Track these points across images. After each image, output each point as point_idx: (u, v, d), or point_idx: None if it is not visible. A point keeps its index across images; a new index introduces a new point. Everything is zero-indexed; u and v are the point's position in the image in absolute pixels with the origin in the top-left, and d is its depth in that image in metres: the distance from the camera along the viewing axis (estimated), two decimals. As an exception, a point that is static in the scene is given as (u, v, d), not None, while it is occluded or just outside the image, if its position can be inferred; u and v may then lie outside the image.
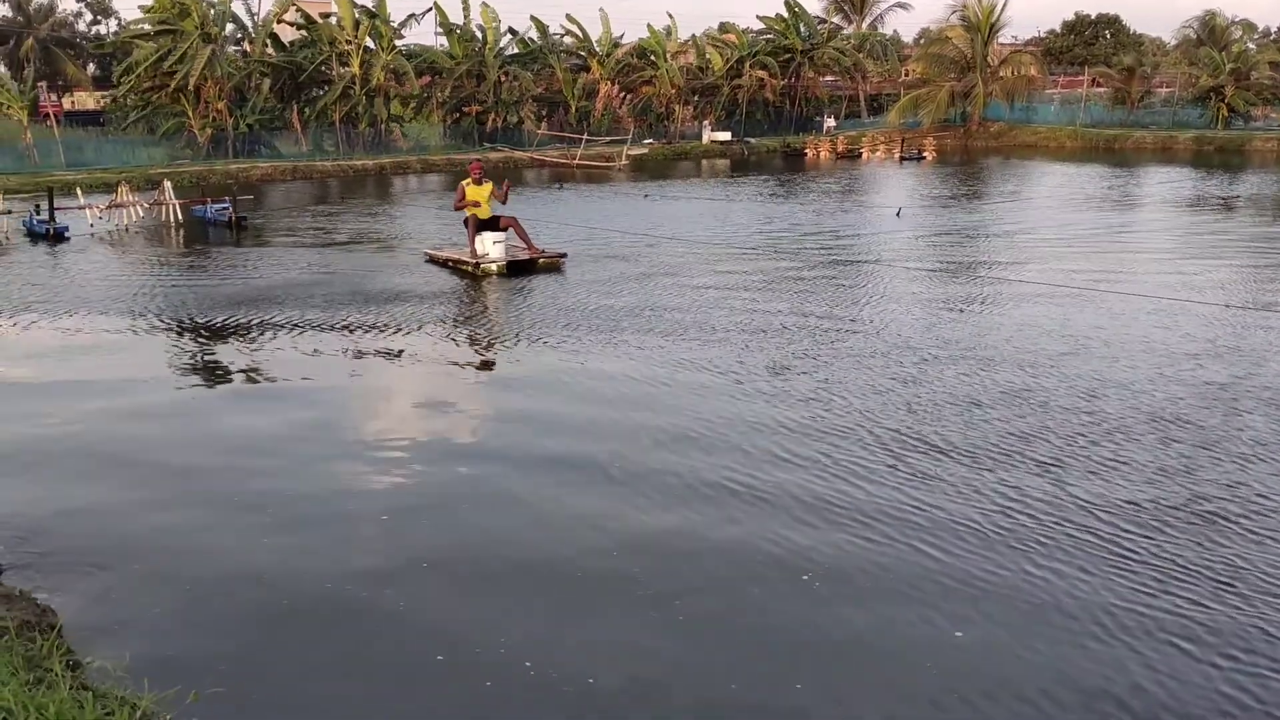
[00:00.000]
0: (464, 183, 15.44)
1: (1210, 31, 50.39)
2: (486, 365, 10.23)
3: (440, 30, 46.49)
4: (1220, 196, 25.99)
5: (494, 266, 14.74)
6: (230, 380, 9.61)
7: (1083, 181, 31.57)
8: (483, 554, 5.63)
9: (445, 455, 7.26)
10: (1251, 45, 52.48)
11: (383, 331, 11.28)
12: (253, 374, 9.78)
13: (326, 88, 40.84)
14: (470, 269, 14.93)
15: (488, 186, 15.39)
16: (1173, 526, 5.72)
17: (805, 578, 5.24)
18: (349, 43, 40.34)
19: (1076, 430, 7.31)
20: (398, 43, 42.15)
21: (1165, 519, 5.81)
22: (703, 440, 7.27)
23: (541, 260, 15.15)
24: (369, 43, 41.01)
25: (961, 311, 11.82)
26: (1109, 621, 4.75)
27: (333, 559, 5.56)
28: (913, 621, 4.81)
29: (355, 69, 40.46)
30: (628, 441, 7.28)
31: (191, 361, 10.25)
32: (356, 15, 40.45)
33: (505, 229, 15.18)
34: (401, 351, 10.41)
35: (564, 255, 15.61)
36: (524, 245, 15.31)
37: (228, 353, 10.63)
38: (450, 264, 15.54)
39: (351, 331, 11.28)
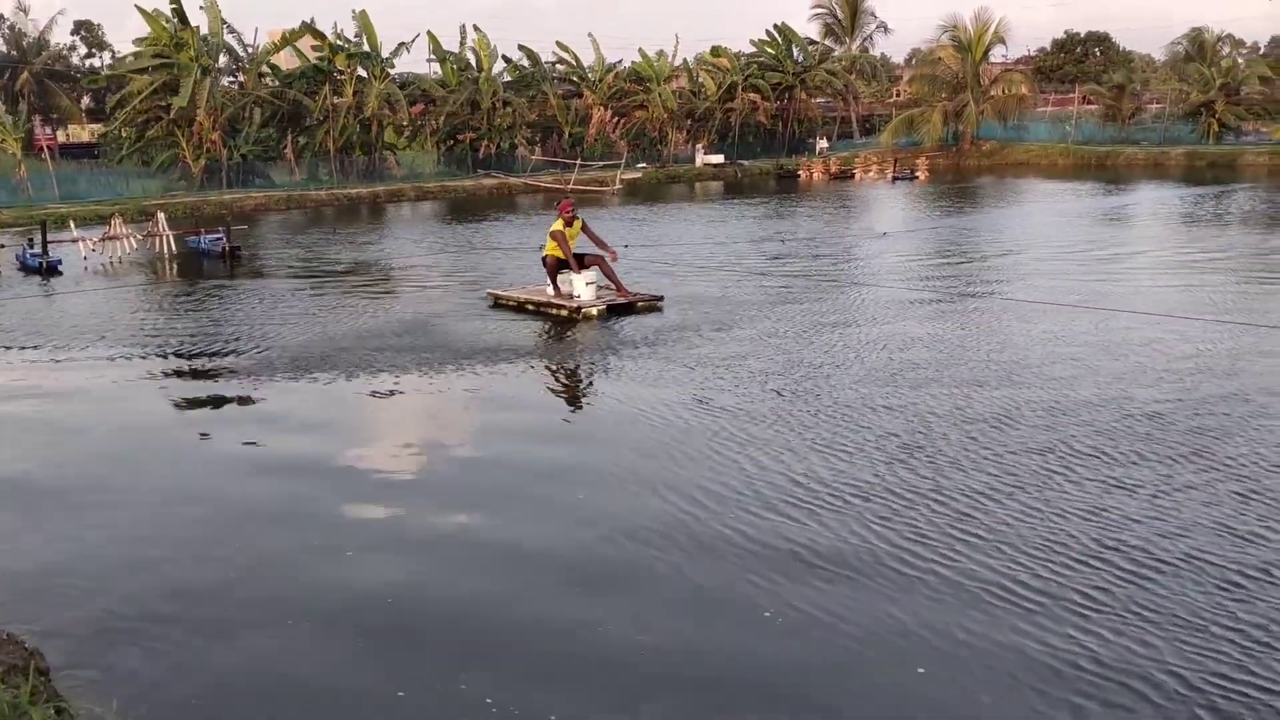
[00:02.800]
0: (557, 228, 13.97)
1: (1199, 47, 50.57)
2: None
3: (433, 57, 46.76)
4: (1214, 212, 26.07)
5: (594, 310, 13.24)
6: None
7: (1074, 199, 31.68)
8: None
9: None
10: (1241, 60, 52.72)
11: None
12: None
13: (321, 117, 40.98)
14: (566, 313, 13.40)
15: (578, 226, 14.07)
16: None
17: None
18: (341, 73, 40.51)
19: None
20: (391, 71, 42.33)
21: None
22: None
23: (640, 304, 13.72)
24: (361, 72, 41.21)
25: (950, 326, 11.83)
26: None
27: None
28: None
29: (349, 98, 40.61)
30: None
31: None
32: (350, 47, 40.66)
33: (589, 268, 13.83)
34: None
35: (660, 297, 14.07)
36: (613, 286, 13.89)
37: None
38: (531, 307, 13.94)
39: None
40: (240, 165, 38.58)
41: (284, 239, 25.45)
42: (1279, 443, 7.36)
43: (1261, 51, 60.83)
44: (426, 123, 44.66)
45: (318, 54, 40.65)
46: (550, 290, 14.08)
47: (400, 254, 21.47)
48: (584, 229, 14.14)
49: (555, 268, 13.99)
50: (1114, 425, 7.85)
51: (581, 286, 13.65)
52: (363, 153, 41.44)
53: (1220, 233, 21.44)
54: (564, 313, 13.48)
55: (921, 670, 4.56)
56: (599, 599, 5.38)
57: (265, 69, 41.10)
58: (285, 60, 42.52)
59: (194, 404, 9.90)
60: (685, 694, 4.47)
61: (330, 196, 37.11)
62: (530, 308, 14.01)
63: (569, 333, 12.68)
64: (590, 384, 10.28)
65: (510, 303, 14.33)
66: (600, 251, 14.11)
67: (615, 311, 13.33)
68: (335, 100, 40.67)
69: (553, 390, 10.41)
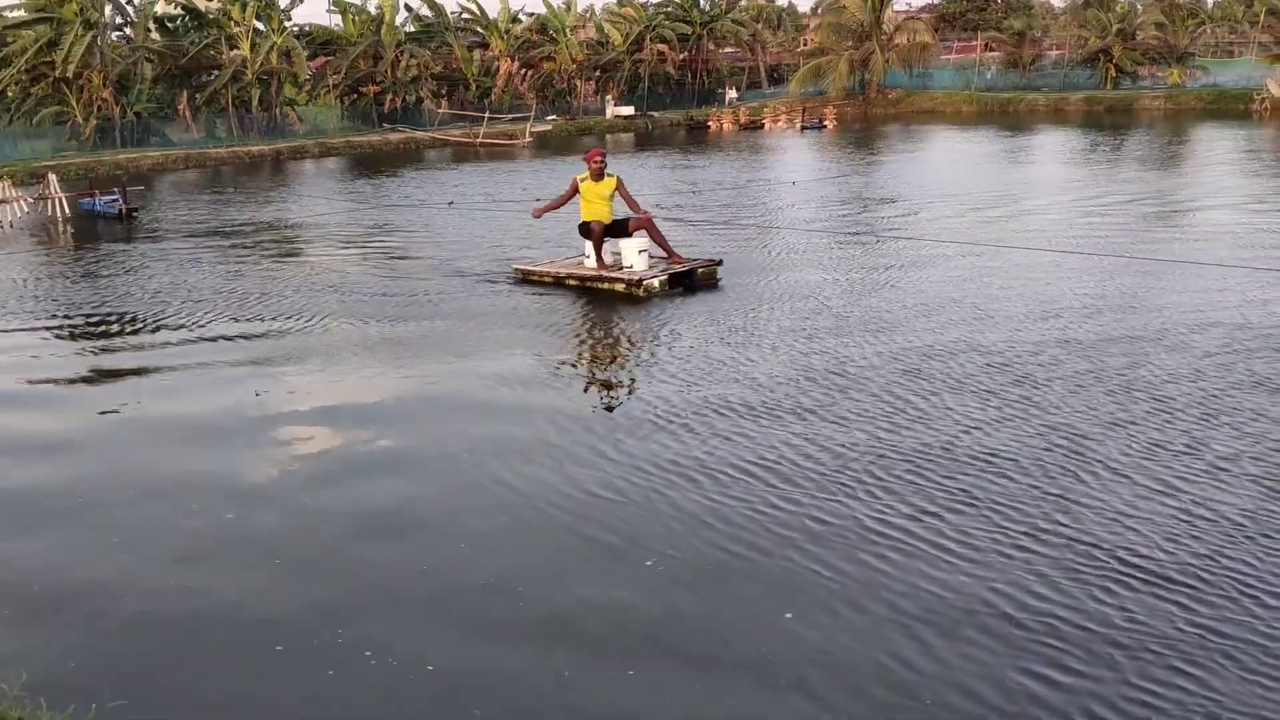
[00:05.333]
0: (578, 177, 12.11)
1: (1097, -7, 51.57)
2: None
3: (334, 8, 45.48)
4: (1108, 155, 26.72)
5: (655, 283, 11.34)
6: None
7: (976, 145, 32.23)
8: None
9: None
10: (1138, 6, 53.91)
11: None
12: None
13: (215, 72, 39.70)
14: (623, 287, 11.45)
15: (610, 183, 12.00)
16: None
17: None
18: (237, 25, 39.22)
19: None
20: (288, 24, 41.13)
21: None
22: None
23: (700, 271, 11.84)
24: (258, 24, 39.95)
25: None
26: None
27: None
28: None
29: (245, 51, 39.36)
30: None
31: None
32: (244, -3, 39.39)
33: (635, 233, 11.91)
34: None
35: (719, 261, 12.18)
36: (665, 253, 12.04)
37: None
38: (574, 283, 11.93)
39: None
40: (134, 124, 37.23)
41: (184, 199, 24.66)
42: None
43: (1156, -3, 62.07)
44: (327, 76, 43.52)
45: (215, 4, 39.32)
46: (592, 262, 11.97)
47: (314, 212, 20.94)
48: (619, 187, 12.10)
49: (601, 234, 11.81)
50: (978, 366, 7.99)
51: (634, 255, 11.67)
52: (262, 108, 40.25)
53: (1114, 175, 21.96)
54: (620, 287, 11.48)
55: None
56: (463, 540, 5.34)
57: (154, 22, 39.57)
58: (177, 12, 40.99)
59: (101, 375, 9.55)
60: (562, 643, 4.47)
61: (230, 154, 36.02)
62: (572, 284, 11.93)
63: (641, 313, 10.64)
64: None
65: (545, 279, 12.16)
66: (635, 214, 12.17)
67: (675, 280, 11.56)
68: (231, 54, 39.39)
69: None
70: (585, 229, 12.02)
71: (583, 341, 9.83)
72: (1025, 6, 62.34)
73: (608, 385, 8.19)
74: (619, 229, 11.95)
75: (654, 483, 6.00)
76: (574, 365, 8.86)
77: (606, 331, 10.07)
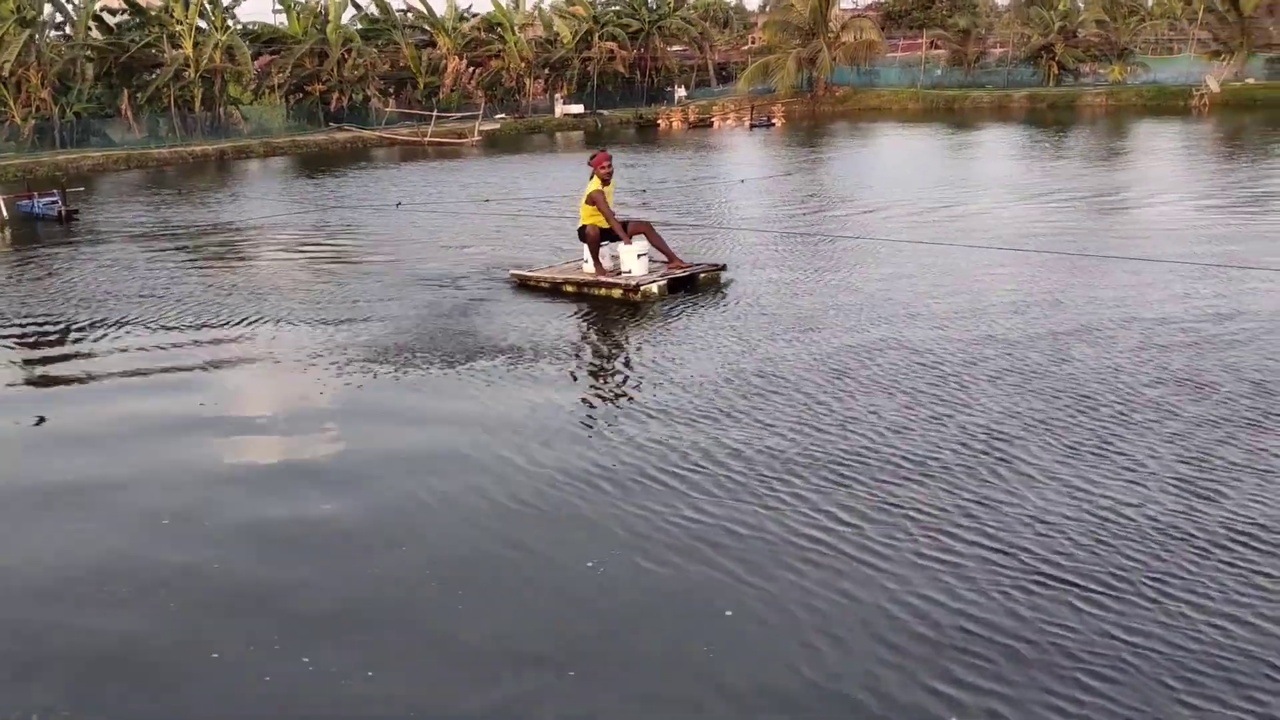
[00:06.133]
0: (595, 185, 11.47)
1: (1040, -9, 52.27)
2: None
3: (279, 6, 45.08)
4: (1050, 151, 27.13)
5: (654, 288, 10.97)
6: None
7: (922, 142, 32.62)
8: None
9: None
10: (1080, 3, 54.71)
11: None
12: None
13: (157, 71, 39.17)
14: (620, 293, 11.01)
15: (613, 185, 11.84)
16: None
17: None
18: (179, 23, 38.72)
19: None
20: (231, 22, 40.67)
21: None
22: None
23: (703, 275, 11.51)
24: (200, 22, 39.48)
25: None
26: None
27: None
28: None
29: (188, 50, 38.87)
30: None
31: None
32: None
33: (635, 236, 11.44)
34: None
35: (722, 266, 11.96)
36: (664, 257, 11.60)
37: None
38: (571, 289, 11.45)
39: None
40: (74, 124, 36.66)
41: (126, 200, 24.34)
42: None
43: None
44: (272, 75, 43.09)
45: (157, 1, 38.81)
46: (590, 267, 11.65)
47: (259, 213, 20.73)
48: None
49: (598, 239, 11.47)
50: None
51: (632, 259, 11.32)
52: (205, 108, 39.79)
53: (1054, 171, 22.31)
54: (617, 293, 11.07)
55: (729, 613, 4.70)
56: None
57: (94, 20, 38.96)
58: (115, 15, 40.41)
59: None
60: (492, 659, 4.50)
61: (173, 154, 35.57)
62: (569, 290, 11.49)
63: (640, 320, 10.25)
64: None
65: (542, 284, 11.74)
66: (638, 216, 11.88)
67: (675, 286, 11.21)
68: (173, 52, 38.90)
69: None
70: (583, 233, 11.66)
71: (560, 349, 9.75)
72: (970, 4, 62.98)
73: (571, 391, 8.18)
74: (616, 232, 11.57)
75: (565, 491, 6.05)
76: (546, 372, 8.83)
77: (586, 339, 9.98)
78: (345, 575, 5.17)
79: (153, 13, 38.82)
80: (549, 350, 9.05)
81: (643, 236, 11.50)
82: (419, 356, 9.00)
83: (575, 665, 4.31)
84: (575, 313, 10.65)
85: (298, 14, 44.12)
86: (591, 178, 11.54)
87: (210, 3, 39.42)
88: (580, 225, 11.71)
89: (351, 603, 4.91)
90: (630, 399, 7.64)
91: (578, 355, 9.12)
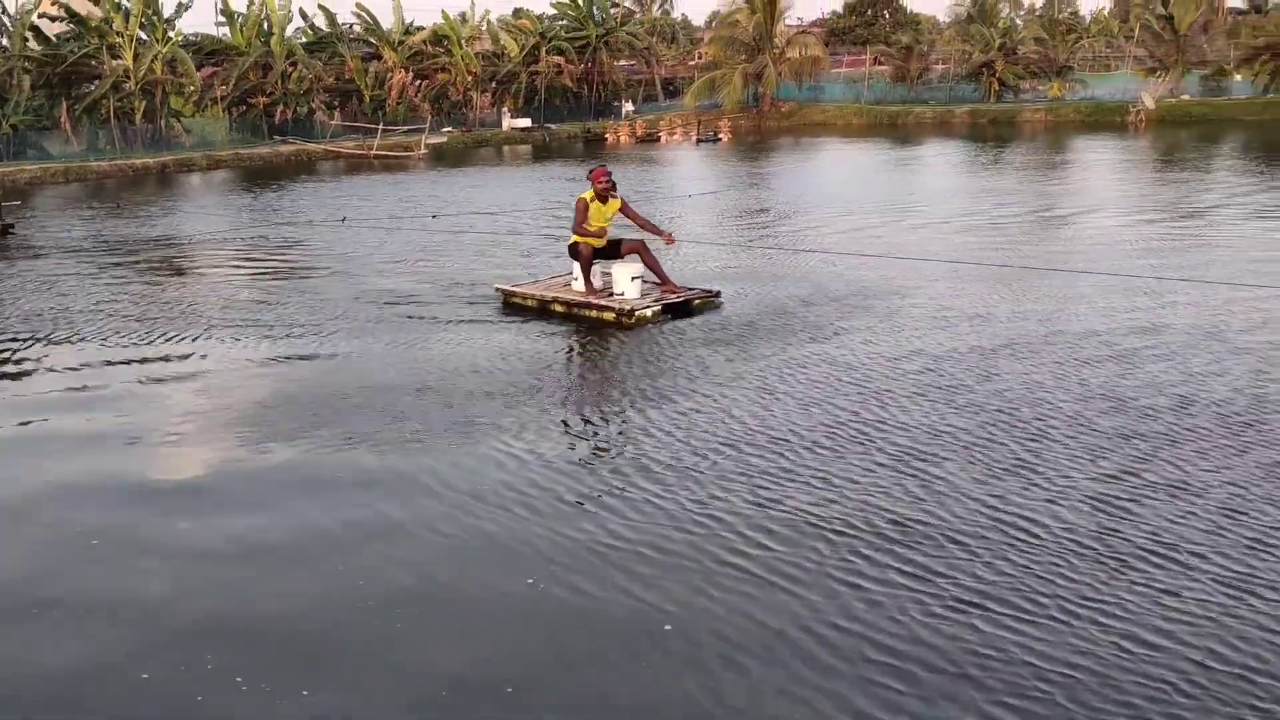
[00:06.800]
0: (586, 196, 11.07)
1: (980, 9, 53.29)
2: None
3: (222, 19, 44.73)
4: (990, 166, 27.61)
5: (648, 312, 10.50)
6: None
7: (865, 157, 33.05)
8: None
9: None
10: (1019, 21, 55.78)
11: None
12: None
13: (96, 83, 38.64)
14: (612, 315, 10.52)
15: (614, 205, 11.24)
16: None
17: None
18: (119, 34, 38.25)
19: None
20: (172, 34, 40.22)
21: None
22: None
23: (697, 301, 11.01)
24: (141, 34, 39.02)
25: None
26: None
27: None
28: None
29: (128, 61, 38.39)
30: None
31: None
32: (126, 4, 38.42)
33: (627, 256, 11.07)
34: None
35: (716, 292, 11.33)
36: (658, 279, 11.15)
37: None
38: (560, 308, 11.01)
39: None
40: (11, 136, 36.04)
41: (64, 214, 23.94)
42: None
43: (1038, 12, 64.40)
44: (215, 87, 42.67)
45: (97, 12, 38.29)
46: (580, 285, 11.16)
47: (202, 228, 20.50)
48: (625, 209, 11.35)
49: (590, 257, 11.07)
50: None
51: (625, 281, 10.76)
52: (146, 120, 39.30)
53: (992, 186, 22.72)
54: (608, 315, 10.59)
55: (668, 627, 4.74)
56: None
57: (31, 31, 38.35)
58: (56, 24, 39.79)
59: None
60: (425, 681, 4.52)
61: (113, 167, 35.07)
62: (559, 309, 11.03)
63: (636, 346, 9.66)
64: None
65: (529, 302, 11.31)
66: (642, 234, 11.43)
67: (669, 311, 10.71)
68: (113, 63, 38.39)
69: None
70: (574, 250, 11.15)
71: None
72: (912, 22, 63.99)
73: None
74: (609, 251, 11.16)
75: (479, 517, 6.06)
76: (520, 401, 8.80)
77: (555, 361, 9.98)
78: (276, 595, 5.15)
79: (92, 23, 38.29)
80: (491, 372, 9.00)
81: (637, 256, 11.08)
82: (359, 375, 8.95)
83: (512, 684, 4.34)
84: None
85: (241, 26, 43.74)
86: (589, 190, 11.12)
87: (152, 14, 38.97)
88: (572, 242, 11.22)
89: (284, 623, 4.88)
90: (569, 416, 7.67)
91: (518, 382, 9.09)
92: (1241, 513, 5.57)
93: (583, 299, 10.93)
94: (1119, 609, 4.66)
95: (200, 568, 5.48)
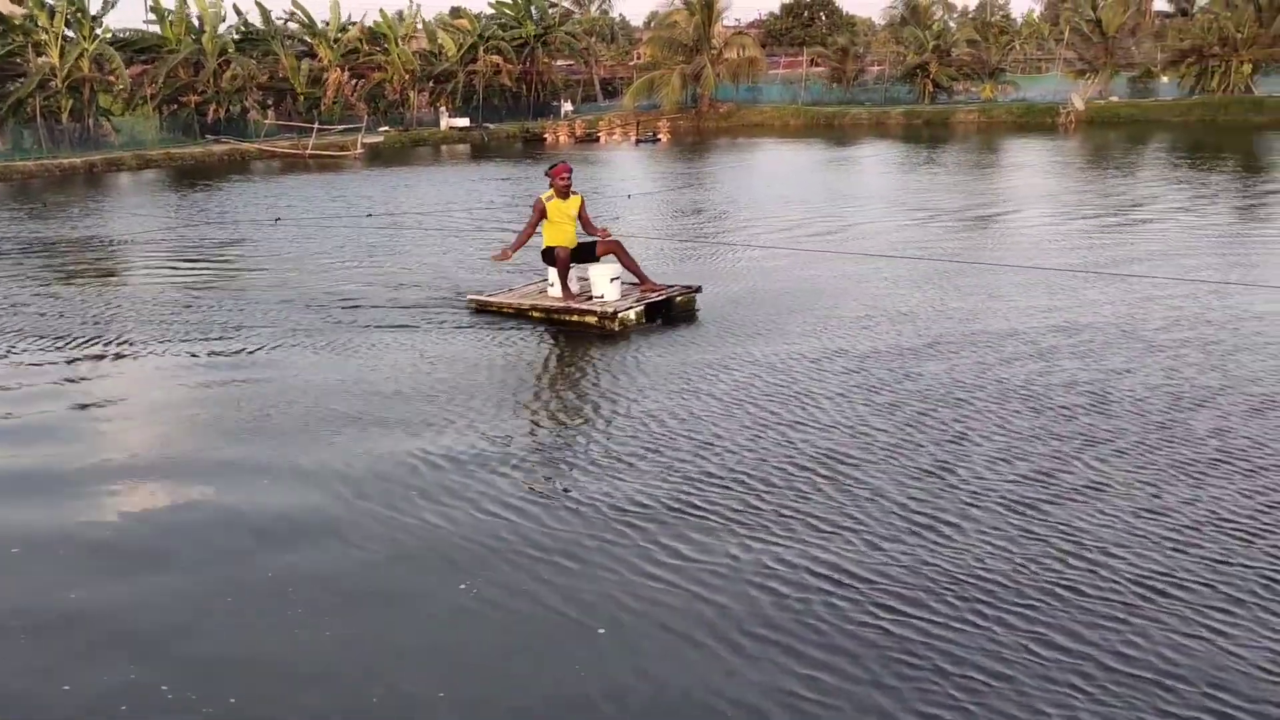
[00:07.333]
0: (544, 197, 10.67)
1: (914, 11, 53.89)
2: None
3: (152, 16, 43.82)
4: (923, 166, 27.94)
5: (631, 314, 10.15)
6: None
7: (803, 157, 33.28)
8: None
9: None
10: (952, 24, 56.48)
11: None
12: None
13: (21, 81, 37.73)
14: (595, 320, 10.19)
15: (576, 201, 10.75)
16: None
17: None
18: (44, 31, 37.36)
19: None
20: (100, 31, 39.38)
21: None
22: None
23: (679, 299, 10.70)
24: (68, 31, 38.16)
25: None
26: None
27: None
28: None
29: (54, 59, 37.51)
30: None
31: None
32: (51, 2, 37.55)
33: (603, 257, 10.69)
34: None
35: (698, 288, 11.03)
36: (637, 279, 10.88)
37: None
38: (538, 315, 10.62)
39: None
40: (-70, 135, 35.12)
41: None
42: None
43: (970, 15, 65.26)
44: (145, 85, 41.83)
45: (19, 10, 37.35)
46: (557, 290, 10.75)
47: (131, 228, 20.07)
48: (582, 209, 10.88)
49: (568, 260, 10.58)
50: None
51: (604, 283, 10.44)
52: (73, 119, 38.45)
53: (931, 185, 22.99)
54: (590, 320, 10.24)
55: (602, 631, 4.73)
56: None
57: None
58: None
59: None
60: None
61: (39, 167, 34.25)
62: (536, 315, 10.64)
63: (627, 354, 9.28)
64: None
65: (505, 309, 10.90)
66: (595, 237, 10.89)
67: (651, 311, 10.41)
68: (38, 61, 37.49)
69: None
70: (549, 255, 10.72)
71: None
72: (848, 23, 64.58)
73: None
74: (585, 253, 10.76)
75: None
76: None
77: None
78: (200, 607, 5.05)
79: (16, 21, 37.37)
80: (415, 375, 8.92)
81: (613, 257, 10.72)
82: (285, 389, 8.80)
83: (448, 689, 4.31)
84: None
85: (170, 22, 42.94)
86: (548, 189, 10.74)
87: (77, 10, 38.12)
88: (546, 246, 10.79)
89: (209, 632, 4.79)
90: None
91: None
92: (1156, 512, 5.67)
93: (562, 305, 10.54)
94: (1026, 610, 4.71)
95: (113, 575, 5.37)
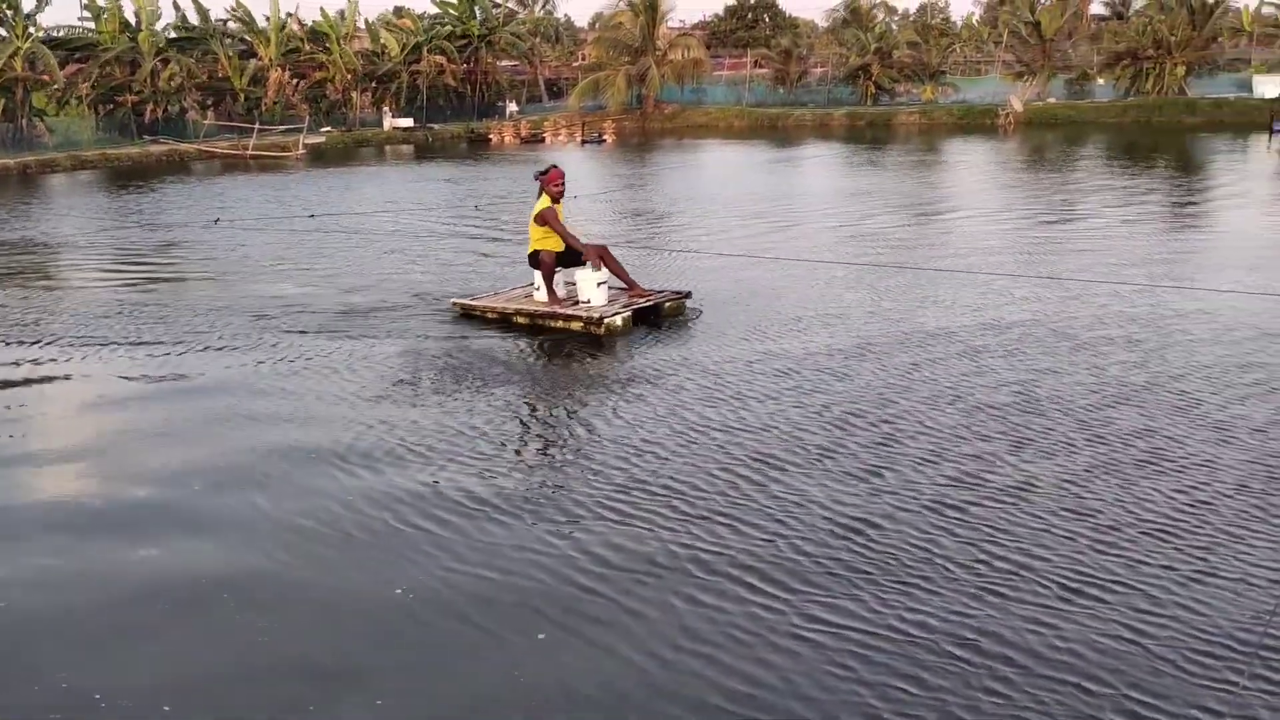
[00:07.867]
0: (545, 203, 10.41)
1: (856, 14, 54.34)
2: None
3: (87, 14, 42.98)
4: (864, 168, 28.17)
5: (619, 320, 9.99)
6: None
7: (746, 158, 33.42)
8: None
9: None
10: (893, 26, 57.05)
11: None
12: None
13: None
14: (581, 326, 10.00)
15: (560, 207, 10.65)
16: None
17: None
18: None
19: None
20: (32, 29, 38.57)
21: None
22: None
23: (668, 305, 10.56)
24: (0, 30, 37.39)
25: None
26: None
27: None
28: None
29: (-17, 58, 36.75)
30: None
31: None
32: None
33: (589, 263, 10.41)
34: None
35: (687, 294, 10.89)
36: (624, 284, 10.68)
37: None
38: (523, 320, 10.40)
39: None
40: None
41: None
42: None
43: (911, 17, 65.99)
44: (80, 85, 41.05)
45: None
46: (543, 295, 10.57)
47: (65, 231, 19.65)
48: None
49: (554, 265, 10.41)
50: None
51: (591, 288, 10.27)
52: (5, 119, 37.64)
53: (872, 187, 23.16)
54: (575, 325, 10.05)
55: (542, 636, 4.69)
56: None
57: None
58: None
59: None
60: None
61: (-31, 168, 33.56)
62: (521, 321, 10.41)
63: (615, 362, 9.14)
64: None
65: (489, 315, 10.65)
66: (580, 242, 10.67)
67: (638, 317, 10.25)
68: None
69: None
70: (534, 259, 10.53)
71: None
72: (791, 25, 64.94)
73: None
74: (570, 257, 10.55)
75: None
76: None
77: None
78: (130, 599, 4.94)
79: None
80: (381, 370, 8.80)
81: (601, 261, 10.52)
82: (228, 402, 8.66)
83: (383, 685, 4.23)
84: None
85: (105, 19, 42.15)
86: (540, 195, 10.46)
87: (7, 8, 37.32)
88: (531, 250, 10.58)
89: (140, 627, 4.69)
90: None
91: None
92: (1080, 513, 5.72)
93: (547, 310, 10.36)
94: (948, 614, 4.72)
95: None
